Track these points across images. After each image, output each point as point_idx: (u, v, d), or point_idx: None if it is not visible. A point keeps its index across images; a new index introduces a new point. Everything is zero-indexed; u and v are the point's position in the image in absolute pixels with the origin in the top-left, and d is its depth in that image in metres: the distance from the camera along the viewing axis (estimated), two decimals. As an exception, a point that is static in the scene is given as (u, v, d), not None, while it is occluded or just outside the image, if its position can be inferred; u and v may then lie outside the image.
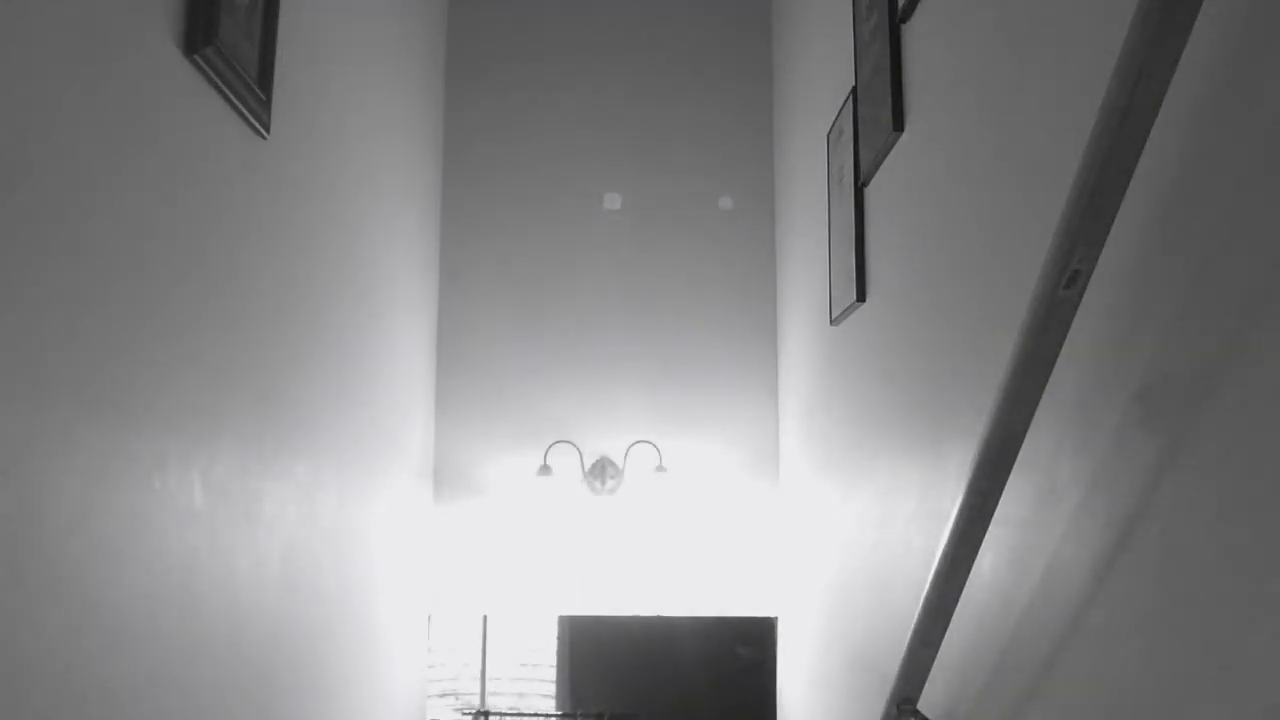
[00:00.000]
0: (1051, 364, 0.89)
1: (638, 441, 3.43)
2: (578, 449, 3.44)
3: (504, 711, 3.97)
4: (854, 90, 2.12)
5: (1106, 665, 0.92)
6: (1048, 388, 0.91)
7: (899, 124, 1.77)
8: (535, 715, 3.99)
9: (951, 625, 1.18)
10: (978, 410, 1.27)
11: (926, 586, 1.16)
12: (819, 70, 2.71)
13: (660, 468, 3.38)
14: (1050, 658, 1.04)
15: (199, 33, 1.40)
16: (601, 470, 3.44)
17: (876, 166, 1.93)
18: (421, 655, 3.38)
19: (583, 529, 3.46)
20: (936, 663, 1.25)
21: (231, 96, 1.54)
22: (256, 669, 1.74)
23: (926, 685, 1.30)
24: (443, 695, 3.97)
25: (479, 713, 3.82)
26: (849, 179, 2.16)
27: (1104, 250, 0.81)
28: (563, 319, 3.52)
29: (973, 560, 1.09)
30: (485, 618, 4.11)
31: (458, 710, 3.92)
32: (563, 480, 3.41)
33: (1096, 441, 0.95)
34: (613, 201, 3.60)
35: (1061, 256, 0.81)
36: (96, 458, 1.17)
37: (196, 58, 1.41)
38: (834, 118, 2.37)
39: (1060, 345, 0.87)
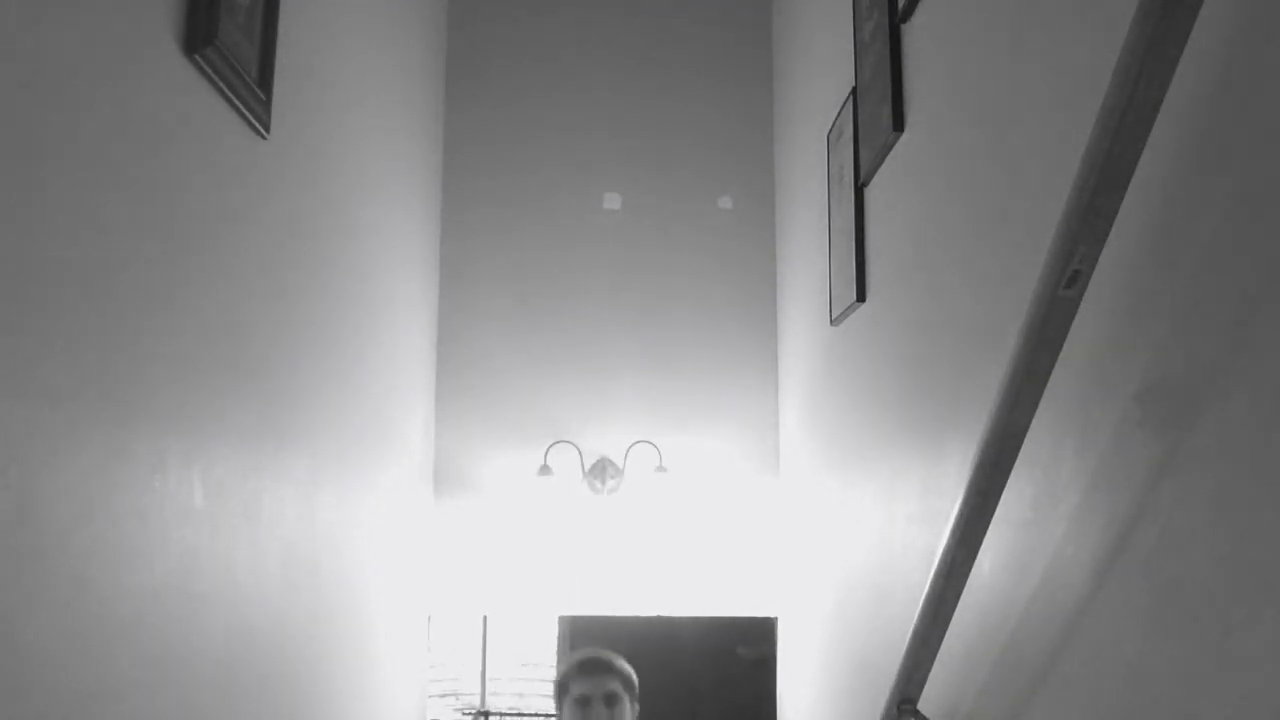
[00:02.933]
0: (1051, 364, 0.89)
1: (638, 441, 3.43)
2: (578, 449, 3.44)
3: (504, 711, 3.97)
4: (854, 90, 2.12)
5: (1106, 665, 0.92)
6: (1048, 388, 0.91)
7: (899, 124, 1.77)
8: (535, 715, 3.99)
9: (951, 625, 1.18)
10: (978, 410, 1.27)
11: (926, 586, 1.16)
12: (819, 70, 2.71)
13: (660, 468, 3.38)
14: (1050, 658, 1.04)
15: (199, 33, 1.40)
16: (602, 470, 3.44)
17: (876, 166, 1.93)
18: (421, 655, 3.38)
19: (583, 529, 3.45)
20: (936, 663, 1.25)
21: (231, 96, 1.54)
22: (256, 669, 1.74)
23: (927, 685, 1.30)
24: (443, 695, 3.96)
25: (479, 713, 3.82)
26: (849, 179, 2.16)
27: (1104, 250, 0.81)
28: (563, 319, 3.52)
29: (973, 560, 1.09)
30: (485, 618, 4.11)
31: (458, 710, 3.92)
32: (563, 480, 3.41)
33: (1096, 441, 0.95)
34: (613, 201, 3.60)
35: (1061, 256, 0.81)
36: (96, 458, 1.17)
37: (196, 58, 1.41)
38: (834, 118, 2.37)
39: (1060, 345, 0.87)
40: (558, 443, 3.41)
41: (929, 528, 1.52)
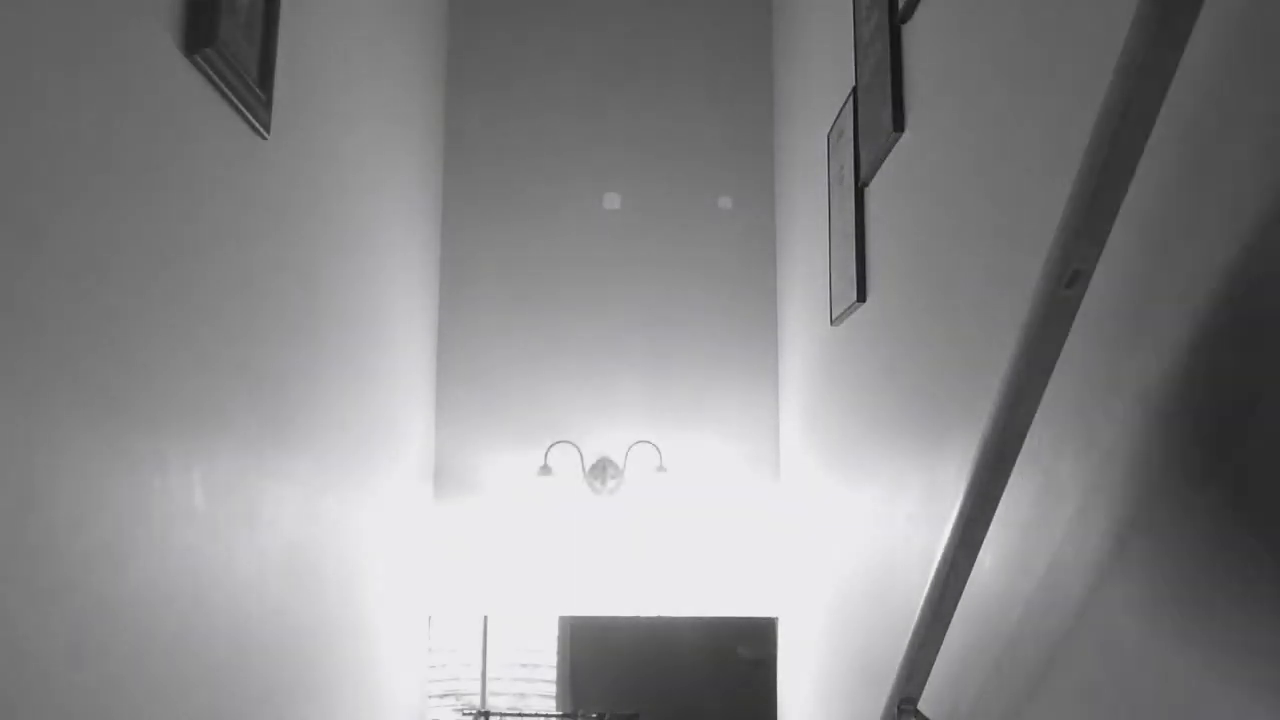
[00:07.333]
0: (1051, 364, 0.89)
1: (638, 441, 3.43)
2: (578, 449, 3.44)
3: (504, 712, 3.97)
4: (854, 90, 2.12)
5: (1106, 665, 0.92)
6: (1048, 388, 0.91)
7: (899, 124, 1.77)
8: (535, 715, 3.99)
9: (951, 625, 1.18)
10: (978, 410, 1.27)
11: (927, 587, 1.16)
12: (819, 70, 2.71)
13: (661, 468, 3.38)
14: (1050, 657, 1.04)
15: (199, 33, 1.40)
16: (602, 470, 3.44)
17: (877, 166, 1.93)
18: (422, 656, 3.38)
19: (583, 529, 3.45)
20: (937, 663, 1.25)
21: (231, 96, 1.54)
22: (257, 669, 1.74)
23: (927, 685, 1.29)
24: (443, 696, 3.96)
25: (479, 713, 3.82)
26: (849, 179, 2.16)
27: (1104, 250, 0.81)
28: (563, 318, 3.52)
29: (973, 560, 1.09)
30: (485, 618, 4.11)
31: (458, 711, 3.92)
32: (563, 480, 3.40)
33: (1097, 441, 0.95)
34: (612, 201, 3.60)
35: (1061, 256, 0.81)
36: (96, 458, 1.17)
37: (196, 58, 1.41)
38: (834, 118, 2.37)
39: (1060, 345, 0.87)
40: (558, 443, 3.41)
41: (929, 527, 1.52)
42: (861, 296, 2.06)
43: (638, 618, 3.48)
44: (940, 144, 1.56)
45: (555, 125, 3.62)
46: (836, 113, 2.34)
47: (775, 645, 3.43)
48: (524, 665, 4.25)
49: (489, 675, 4.10)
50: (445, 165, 3.57)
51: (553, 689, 4.21)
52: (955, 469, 1.40)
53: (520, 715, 3.98)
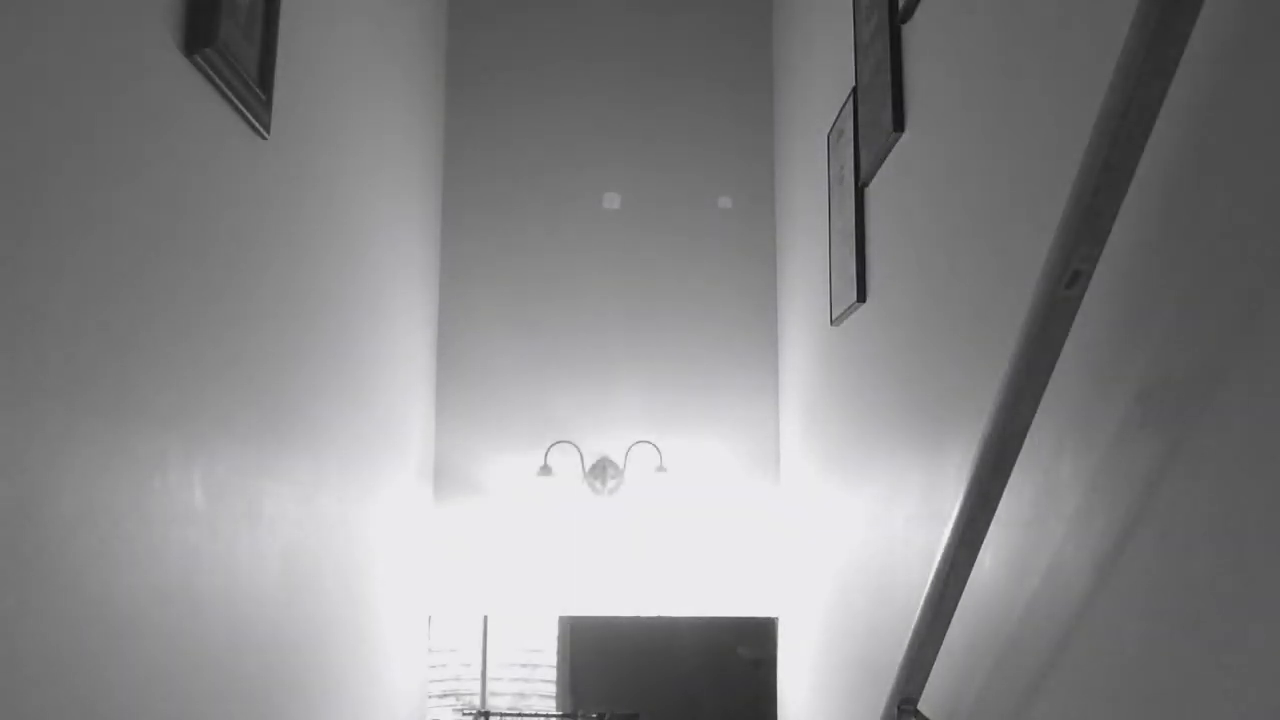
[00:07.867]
0: (1052, 364, 0.89)
1: (638, 442, 3.43)
2: (578, 449, 3.44)
3: (504, 711, 3.97)
4: (854, 90, 2.12)
5: (1107, 665, 0.92)
6: (1048, 388, 0.91)
7: (899, 124, 1.77)
8: (535, 715, 3.99)
9: (951, 625, 1.18)
10: (978, 410, 1.27)
11: (927, 586, 1.16)
12: (819, 70, 2.71)
13: (660, 468, 3.38)
14: (1050, 658, 1.04)
15: (199, 33, 1.40)
16: (602, 470, 3.44)
17: (877, 166, 1.93)
18: (422, 655, 3.38)
19: (583, 529, 3.45)
20: (937, 663, 1.25)
21: (231, 96, 1.54)
22: (257, 669, 1.74)
23: (927, 685, 1.29)
24: (443, 695, 3.96)
25: (479, 713, 3.82)
26: (849, 179, 2.16)
27: (1104, 250, 0.81)
28: (563, 319, 3.52)
29: (973, 560, 1.09)
30: (485, 618, 4.11)
31: (458, 710, 3.92)
32: (563, 480, 3.40)
33: (1096, 441, 0.95)
34: (612, 201, 3.60)
35: (1062, 256, 0.81)
36: (96, 458, 1.17)
37: (196, 58, 1.41)
38: (834, 118, 2.37)
39: (1060, 345, 0.87)
40: (558, 443, 3.41)
41: (929, 528, 1.52)
42: (861, 296, 2.06)
43: (638, 618, 3.48)
44: (940, 144, 1.56)
45: (555, 125, 3.62)
46: (836, 113, 2.34)
47: (775, 645, 3.43)
48: (524, 665, 4.25)
49: (489, 675, 4.10)
50: (445, 165, 3.57)
51: (553, 689, 4.21)
52: (955, 469, 1.40)
53: (520, 715, 3.98)
